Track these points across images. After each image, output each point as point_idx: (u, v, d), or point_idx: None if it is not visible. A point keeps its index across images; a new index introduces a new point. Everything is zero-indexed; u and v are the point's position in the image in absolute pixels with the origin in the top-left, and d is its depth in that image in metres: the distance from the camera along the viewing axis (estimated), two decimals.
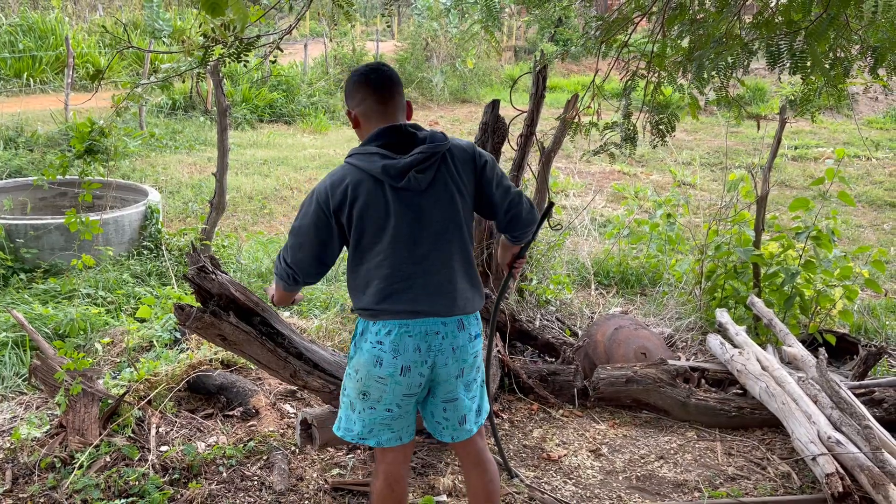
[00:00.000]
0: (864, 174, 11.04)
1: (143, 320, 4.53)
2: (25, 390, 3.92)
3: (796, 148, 12.75)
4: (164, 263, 5.73)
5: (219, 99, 5.32)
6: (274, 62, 3.04)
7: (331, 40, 17.01)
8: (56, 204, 6.70)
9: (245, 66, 2.82)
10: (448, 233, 2.25)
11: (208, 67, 4.05)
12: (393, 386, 2.27)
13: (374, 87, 2.26)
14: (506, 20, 23.75)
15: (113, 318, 4.76)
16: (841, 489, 2.89)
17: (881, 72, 3.38)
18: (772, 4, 3.43)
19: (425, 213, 2.22)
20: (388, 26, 21.26)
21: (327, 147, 11.92)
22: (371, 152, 2.19)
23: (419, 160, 2.17)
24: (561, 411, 3.90)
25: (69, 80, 10.92)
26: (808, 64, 2.99)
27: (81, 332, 4.46)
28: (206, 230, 5.75)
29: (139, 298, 4.95)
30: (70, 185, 6.43)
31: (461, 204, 2.27)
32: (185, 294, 4.78)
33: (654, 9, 3.66)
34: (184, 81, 11.78)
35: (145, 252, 5.97)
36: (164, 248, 5.97)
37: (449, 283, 2.26)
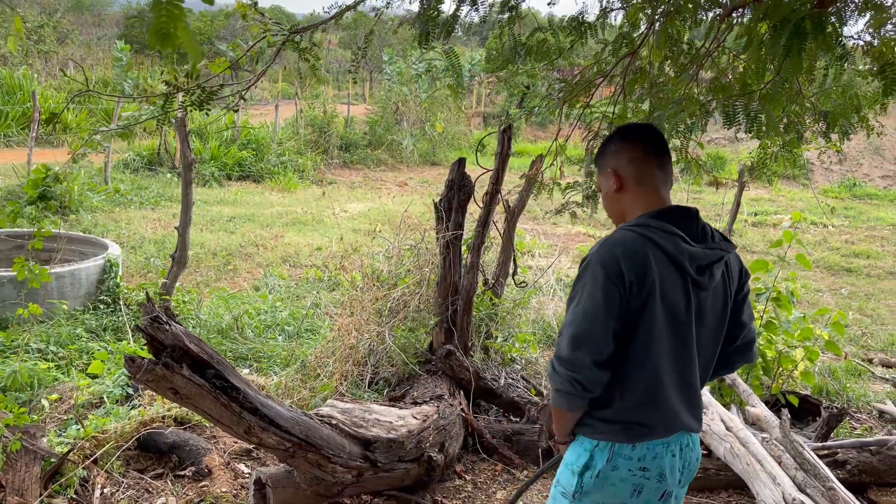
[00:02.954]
0: (822, 240, 11.35)
1: (94, 376, 4.37)
2: None
3: (756, 214, 13.11)
4: (120, 318, 5.57)
5: (184, 152, 5.30)
6: (237, 111, 3.03)
7: (300, 100, 17.22)
8: (12, 258, 6.52)
9: (207, 114, 2.81)
10: (712, 343, 1.97)
11: (174, 122, 4.04)
12: None
13: (656, 148, 1.96)
14: (475, 87, 24.32)
15: (63, 373, 4.59)
16: None
17: (833, 137, 3.51)
18: (728, 73, 3.55)
19: (705, 317, 1.92)
20: (356, 82, 21.60)
21: (295, 205, 11.89)
22: (670, 231, 1.85)
23: (720, 256, 1.90)
24: (525, 472, 3.81)
25: (34, 135, 10.83)
26: (764, 126, 3.09)
27: (28, 388, 4.28)
28: (166, 284, 5.63)
29: (92, 353, 4.79)
30: (27, 238, 6.28)
31: (726, 314, 1.98)
32: (141, 349, 4.63)
33: (616, 72, 3.75)
34: (150, 133, 11.75)
35: (102, 306, 5.82)
36: (121, 302, 5.82)
37: (698, 395, 1.99)
